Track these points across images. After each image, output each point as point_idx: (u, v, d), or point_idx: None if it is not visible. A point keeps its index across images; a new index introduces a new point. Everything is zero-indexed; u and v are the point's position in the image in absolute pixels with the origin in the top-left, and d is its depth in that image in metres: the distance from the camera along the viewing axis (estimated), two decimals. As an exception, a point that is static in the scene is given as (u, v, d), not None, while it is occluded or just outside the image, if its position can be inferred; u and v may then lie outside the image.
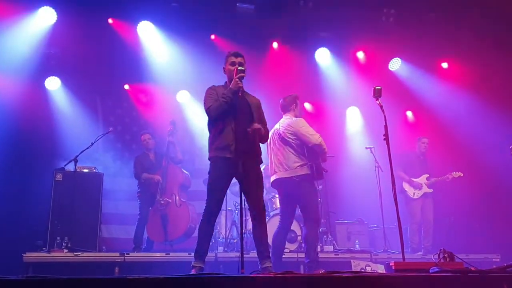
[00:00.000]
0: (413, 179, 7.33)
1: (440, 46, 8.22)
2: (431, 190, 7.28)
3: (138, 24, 7.65)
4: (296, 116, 5.22)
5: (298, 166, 4.97)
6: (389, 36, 8.14)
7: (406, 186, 7.33)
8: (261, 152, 4.34)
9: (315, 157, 5.01)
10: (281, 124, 5.22)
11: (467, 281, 2.95)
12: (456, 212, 7.96)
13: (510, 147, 5.62)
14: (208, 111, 4.16)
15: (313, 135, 4.98)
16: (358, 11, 7.61)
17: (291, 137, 5.06)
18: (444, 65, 8.67)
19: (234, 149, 4.04)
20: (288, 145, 5.07)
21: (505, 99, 7.47)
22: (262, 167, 7.71)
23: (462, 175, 7.20)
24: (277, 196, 7.07)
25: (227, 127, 4.12)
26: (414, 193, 7.28)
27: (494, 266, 3.79)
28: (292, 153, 5.03)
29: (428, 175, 7.33)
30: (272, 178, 5.22)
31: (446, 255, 3.59)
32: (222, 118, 4.13)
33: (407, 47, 8.41)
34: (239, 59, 4.26)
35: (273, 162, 5.22)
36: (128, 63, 7.96)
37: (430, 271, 3.20)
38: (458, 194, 7.78)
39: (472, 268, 3.35)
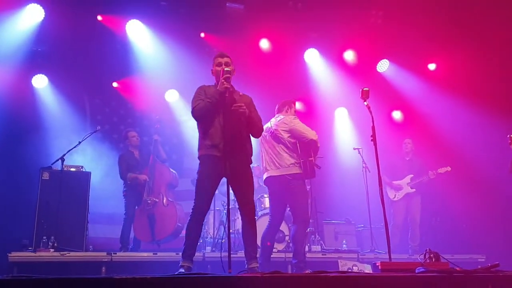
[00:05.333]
0: (394, 181, 7.37)
1: (428, 48, 8.30)
2: (413, 190, 7.28)
3: (127, 23, 7.63)
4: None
5: (290, 164, 4.97)
6: (378, 38, 8.21)
7: (387, 189, 7.38)
8: (251, 153, 4.33)
9: (308, 154, 5.01)
10: (272, 122, 5.23)
11: (452, 281, 2.98)
12: (442, 212, 8.03)
13: (508, 136, 5.72)
14: (193, 111, 4.17)
15: (309, 131, 5.03)
16: (347, 13, 7.65)
17: (284, 134, 5.05)
18: (431, 66, 8.76)
19: (223, 148, 4.04)
20: (280, 143, 5.07)
21: (491, 100, 7.55)
22: (254, 166, 7.77)
23: (449, 169, 7.15)
24: (265, 196, 7.09)
25: (216, 126, 4.11)
26: (395, 196, 7.33)
27: (479, 267, 3.84)
28: (285, 151, 5.02)
29: (412, 176, 7.36)
30: (264, 176, 5.22)
31: (431, 255, 3.62)
32: (210, 118, 4.13)
33: (395, 49, 8.48)
34: (225, 60, 4.25)
35: (264, 160, 5.21)
36: (117, 61, 7.92)
37: (416, 271, 3.23)
38: (443, 194, 7.87)
39: (458, 268, 3.38)
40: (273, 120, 5.29)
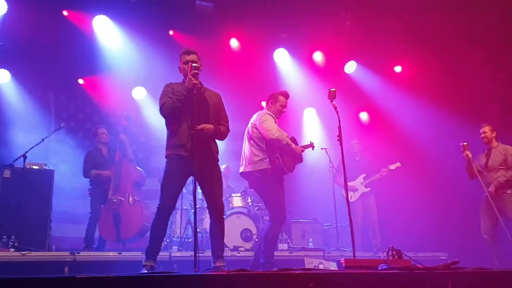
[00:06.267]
0: (348, 182, 7.45)
1: (394, 51, 8.46)
2: (368, 189, 7.42)
3: (94, 18, 7.49)
4: (272, 112, 5.14)
5: (258, 160, 4.93)
6: (346, 39, 8.32)
7: (342, 191, 7.47)
8: (218, 150, 4.31)
9: (273, 151, 4.91)
10: (251, 120, 5.20)
11: (413, 277, 3.05)
12: (407, 212, 8.19)
13: (461, 144, 5.89)
14: (160, 108, 4.11)
15: (269, 130, 4.89)
16: (316, 14, 7.72)
17: (254, 131, 5.03)
18: (397, 69, 8.93)
19: (190, 147, 4.00)
20: (251, 139, 5.04)
21: (454, 103, 7.76)
22: (222, 167, 7.77)
23: (399, 164, 7.31)
24: (234, 195, 7.14)
25: (183, 125, 4.07)
26: (351, 197, 7.41)
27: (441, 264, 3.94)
28: (255, 147, 4.99)
29: (365, 175, 7.49)
30: (240, 170, 5.18)
31: (394, 252, 3.70)
32: (177, 115, 4.08)
33: (363, 51, 8.61)
34: (191, 57, 4.21)
35: (241, 156, 5.19)
36: (83, 57, 7.77)
37: (379, 268, 3.29)
38: (408, 194, 8.04)
39: (419, 265, 3.46)
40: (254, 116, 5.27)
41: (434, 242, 7.42)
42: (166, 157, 4.17)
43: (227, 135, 4.40)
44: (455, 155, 5.95)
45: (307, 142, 5.65)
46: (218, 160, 4.30)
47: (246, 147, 5.11)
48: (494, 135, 6.02)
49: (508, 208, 5.74)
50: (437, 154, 7.83)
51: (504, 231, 5.67)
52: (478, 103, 7.54)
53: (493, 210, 5.69)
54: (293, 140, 5.24)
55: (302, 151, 5.21)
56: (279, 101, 5.19)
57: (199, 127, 4.02)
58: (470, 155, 5.87)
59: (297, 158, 5.18)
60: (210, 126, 4.12)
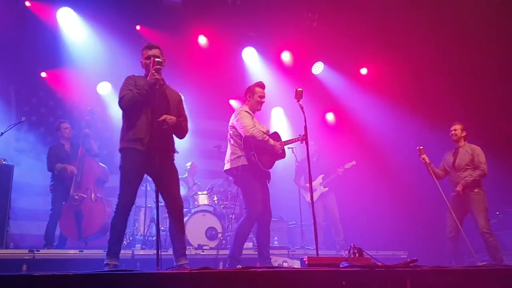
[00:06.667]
0: (307, 183, 7.54)
1: (360, 53, 8.60)
2: (326, 189, 7.48)
3: (58, 10, 7.31)
4: (251, 107, 5.09)
5: (235, 158, 4.90)
6: (314, 40, 8.40)
7: (302, 192, 7.56)
8: (174, 148, 4.26)
9: (250, 149, 4.85)
10: (230, 120, 5.15)
11: (373, 275, 3.11)
12: (370, 211, 8.36)
13: (417, 148, 6.02)
14: (120, 100, 4.01)
15: (244, 127, 4.84)
16: (285, 14, 7.77)
17: (232, 129, 5.01)
18: (363, 71, 9.08)
19: (148, 142, 3.93)
20: (231, 138, 5.02)
21: (418, 105, 7.96)
22: (188, 164, 7.73)
23: (355, 163, 7.41)
24: (199, 193, 7.11)
25: (143, 119, 4.00)
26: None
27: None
28: (234, 146, 4.97)
29: (323, 175, 7.56)
30: (224, 168, 5.15)
31: (355, 251, 3.77)
32: (138, 109, 4.00)
33: (330, 52, 8.71)
34: (153, 51, 4.13)
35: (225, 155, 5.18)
36: (46, 50, 7.57)
37: (340, 266, 3.35)
38: (372, 194, 8.20)
39: (379, 263, 3.54)
40: None
41: (396, 241, 7.58)
42: (120, 150, 4.07)
43: (186, 134, 4.35)
44: (417, 156, 6.07)
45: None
46: (174, 158, 4.25)
47: (227, 146, 5.11)
48: (463, 134, 6.08)
49: (475, 206, 5.78)
50: (400, 155, 8.00)
51: (471, 229, 5.82)
52: (442, 106, 7.74)
53: (459, 209, 5.81)
54: (275, 135, 5.20)
55: (282, 147, 5.12)
56: (256, 93, 5.12)
57: (161, 118, 3.97)
58: (426, 159, 5.95)
59: (278, 154, 5.10)
60: (172, 117, 4.07)
